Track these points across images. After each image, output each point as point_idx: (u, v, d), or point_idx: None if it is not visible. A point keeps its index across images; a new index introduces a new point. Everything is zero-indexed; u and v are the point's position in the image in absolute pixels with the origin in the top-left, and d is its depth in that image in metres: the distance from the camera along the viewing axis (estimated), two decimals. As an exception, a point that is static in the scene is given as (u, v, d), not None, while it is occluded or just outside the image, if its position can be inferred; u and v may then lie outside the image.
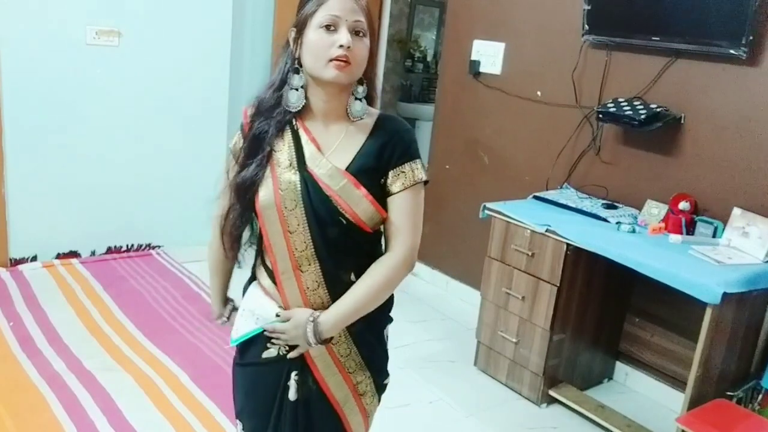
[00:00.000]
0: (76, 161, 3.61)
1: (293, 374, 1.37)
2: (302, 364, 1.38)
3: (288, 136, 1.34)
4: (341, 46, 1.26)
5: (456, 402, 2.80)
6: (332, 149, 1.33)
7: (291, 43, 1.34)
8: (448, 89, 3.84)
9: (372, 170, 1.32)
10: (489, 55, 3.54)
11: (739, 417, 2.30)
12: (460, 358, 3.16)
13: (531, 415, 2.77)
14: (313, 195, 1.30)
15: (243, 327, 1.42)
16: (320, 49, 1.27)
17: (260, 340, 1.39)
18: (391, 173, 1.33)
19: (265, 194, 1.32)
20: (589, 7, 2.92)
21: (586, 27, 2.96)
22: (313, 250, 1.31)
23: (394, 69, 5.91)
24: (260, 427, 1.43)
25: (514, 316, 2.86)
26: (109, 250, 3.85)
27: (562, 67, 3.16)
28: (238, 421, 1.50)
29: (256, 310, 1.39)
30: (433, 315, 3.60)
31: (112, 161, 3.71)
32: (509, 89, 3.44)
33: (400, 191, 1.32)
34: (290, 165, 1.32)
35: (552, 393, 2.80)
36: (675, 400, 2.67)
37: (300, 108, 1.33)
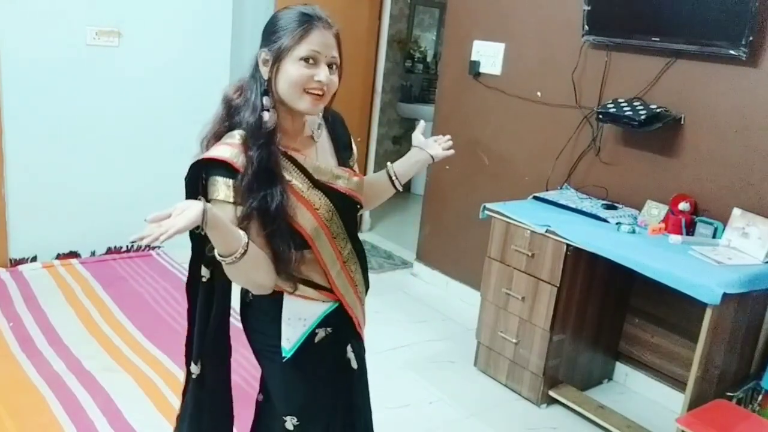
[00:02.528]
0: (76, 161, 3.62)
1: (349, 348, 1.56)
2: (350, 335, 1.57)
3: (284, 161, 1.40)
4: (319, 81, 1.36)
5: (456, 402, 2.80)
6: (317, 155, 1.48)
7: (261, 64, 1.40)
8: (448, 90, 3.84)
9: (348, 158, 1.57)
10: (489, 56, 3.54)
11: (739, 417, 2.30)
12: (460, 359, 3.15)
13: (531, 416, 2.77)
14: (336, 199, 1.46)
15: (294, 334, 1.48)
16: (299, 81, 1.36)
17: (309, 333, 1.51)
18: (353, 148, 1.62)
19: (306, 219, 1.40)
20: (589, 8, 2.92)
21: (586, 27, 2.96)
22: (350, 244, 1.53)
23: (394, 69, 5.92)
24: (330, 410, 1.55)
25: (514, 317, 2.86)
26: (109, 251, 3.85)
27: (562, 67, 3.16)
28: (290, 417, 1.52)
29: (303, 313, 1.49)
30: (433, 315, 3.60)
31: (112, 161, 3.71)
32: (509, 90, 3.44)
33: (355, 162, 1.61)
34: (308, 187, 1.42)
35: (552, 393, 2.80)
36: (675, 400, 2.67)
37: (273, 126, 1.38)
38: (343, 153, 1.56)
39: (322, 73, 1.36)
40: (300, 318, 1.48)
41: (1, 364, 2.66)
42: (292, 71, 1.36)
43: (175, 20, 3.73)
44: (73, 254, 3.75)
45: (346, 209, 1.50)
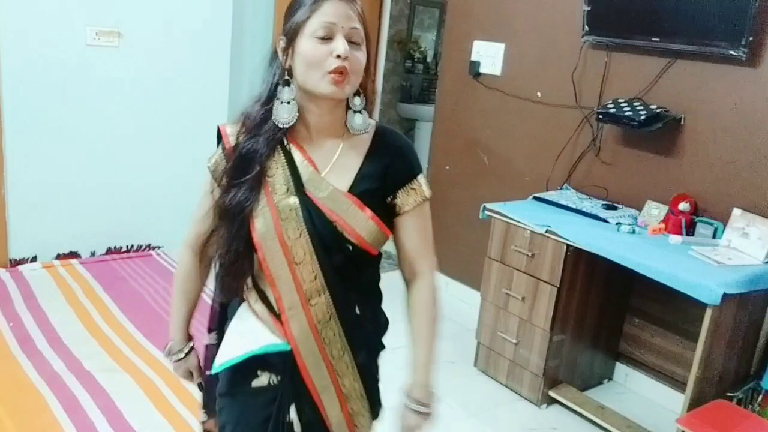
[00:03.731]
0: (75, 162, 3.61)
1: (292, 407, 1.28)
2: (299, 394, 1.29)
3: (280, 156, 1.24)
4: (339, 56, 1.16)
5: (456, 403, 2.80)
6: (328, 168, 1.25)
7: (280, 53, 1.24)
8: (448, 90, 3.84)
9: (377, 190, 1.26)
10: (489, 56, 3.54)
11: (739, 418, 2.30)
12: (460, 359, 3.16)
13: (531, 416, 2.77)
14: (316, 221, 1.22)
15: (229, 352, 1.28)
16: (315, 60, 1.17)
17: (248, 367, 1.28)
18: (400, 192, 1.28)
19: (263, 224, 1.22)
20: (589, 8, 2.92)
21: (586, 28, 2.96)
22: (323, 279, 1.23)
23: (394, 70, 5.91)
24: None
25: (514, 317, 2.86)
26: (108, 251, 3.85)
27: (562, 67, 3.16)
28: None
29: (246, 333, 1.28)
30: (433, 316, 3.59)
31: (111, 162, 3.71)
32: (509, 90, 3.44)
33: (412, 209, 1.29)
34: (287, 190, 1.22)
35: (552, 394, 2.80)
36: (675, 400, 2.67)
37: (292, 123, 1.23)
38: (369, 183, 1.25)
39: (341, 46, 1.16)
40: (242, 335, 1.27)
41: (1, 364, 2.66)
42: (305, 50, 1.17)
43: (175, 20, 3.72)
44: (73, 254, 3.74)
45: (326, 238, 1.22)
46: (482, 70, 3.57)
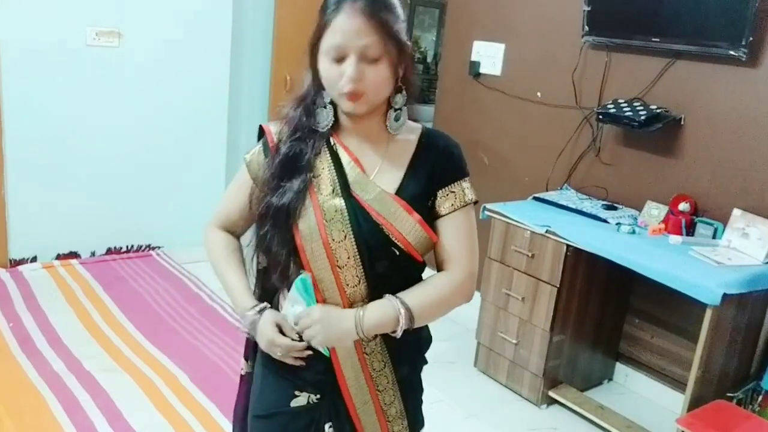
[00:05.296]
0: (76, 162, 3.61)
1: (327, 426, 1.26)
2: (338, 412, 1.27)
3: (327, 156, 1.21)
4: (348, 77, 1.13)
5: (456, 403, 2.80)
6: (376, 170, 1.22)
7: (309, 59, 1.22)
8: (448, 90, 3.84)
9: (422, 194, 1.23)
10: (489, 56, 3.53)
11: (738, 418, 2.30)
12: (460, 359, 3.16)
13: (531, 416, 2.77)
14: (362, 224, 1.18)
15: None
16: (329, 81, 1.15)
17: (286, 388, 1.26)
18: (439, 194, 1.23)
19: (307, 225, 1.18)
20: (589, 8, 2.92)
21: (586, 28, 2.96)
22: (365, 284, 1.20)
23: (394, 70, 5.92)
24: None
25: (514, 317, 2.86)
26: (108, 251, 3.85)
27: (562, 68, 3.15)
28: None
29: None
30: (433, 316, 3.59)
31: (112, 162, 3.71)
32: (509, 90, 3.44)
33: (449, 213, 1.24)
34: (333, 191, 1.19)
35: (552, 394, 2.80)
36: (675, 401, 2.67)
37: (329, 127, 1.22)
38: (415, 185, 1.22)
39: (349, 69, 1.11)
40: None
41: (1, 364, 2.66)
42: (321, 69, 1.16)
43: (174, 20, 3.72)
44: (73, 254, 3.74)
45: (371, 242, 1.19)
46: (482, 70, 3.57)
